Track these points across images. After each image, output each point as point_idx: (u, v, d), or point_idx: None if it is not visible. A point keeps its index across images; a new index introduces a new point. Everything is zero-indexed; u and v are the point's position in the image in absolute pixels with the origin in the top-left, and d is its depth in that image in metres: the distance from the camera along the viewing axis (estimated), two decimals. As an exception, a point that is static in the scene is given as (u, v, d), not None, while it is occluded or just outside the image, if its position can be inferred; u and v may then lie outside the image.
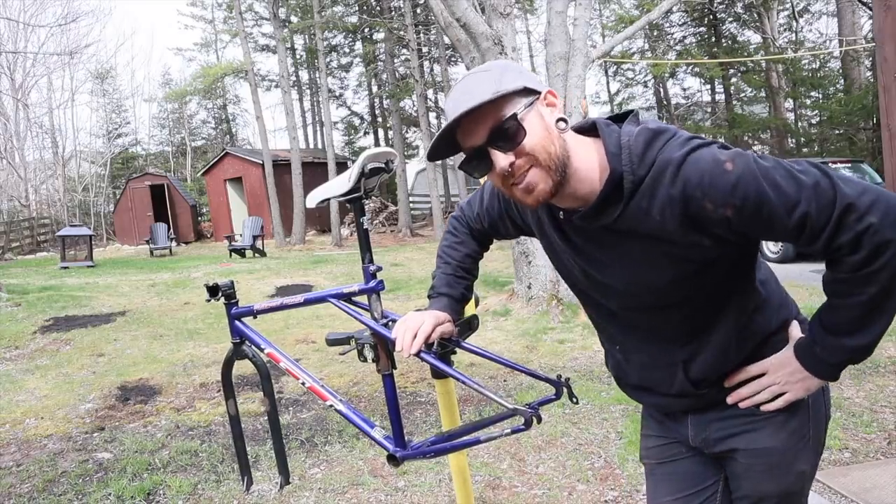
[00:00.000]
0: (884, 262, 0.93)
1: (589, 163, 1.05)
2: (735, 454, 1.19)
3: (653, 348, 1.19)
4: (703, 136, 1.05)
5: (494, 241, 1.53)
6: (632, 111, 1.10)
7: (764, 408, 1.14)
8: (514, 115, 0.99)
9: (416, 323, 1.31)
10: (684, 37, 22.81)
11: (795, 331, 1.14)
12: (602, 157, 1.05)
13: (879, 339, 1.02)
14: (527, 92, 1.02)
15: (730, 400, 1.16)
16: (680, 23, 22.28)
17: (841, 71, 17.79)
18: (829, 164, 9.29)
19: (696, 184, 0.96)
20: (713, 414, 1.19)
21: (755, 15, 19.86)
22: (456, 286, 1.46)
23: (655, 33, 22.41)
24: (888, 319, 1.01)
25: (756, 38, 20.94)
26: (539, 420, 1.33)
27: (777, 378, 1.11)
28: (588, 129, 1.10)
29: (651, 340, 1.19)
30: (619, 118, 1.11)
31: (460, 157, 1.10)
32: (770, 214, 0.94)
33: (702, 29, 21.85)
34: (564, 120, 1.02)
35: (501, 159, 1.01)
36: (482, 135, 1.01)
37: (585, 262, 1.15)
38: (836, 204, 0.92)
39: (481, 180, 1.34)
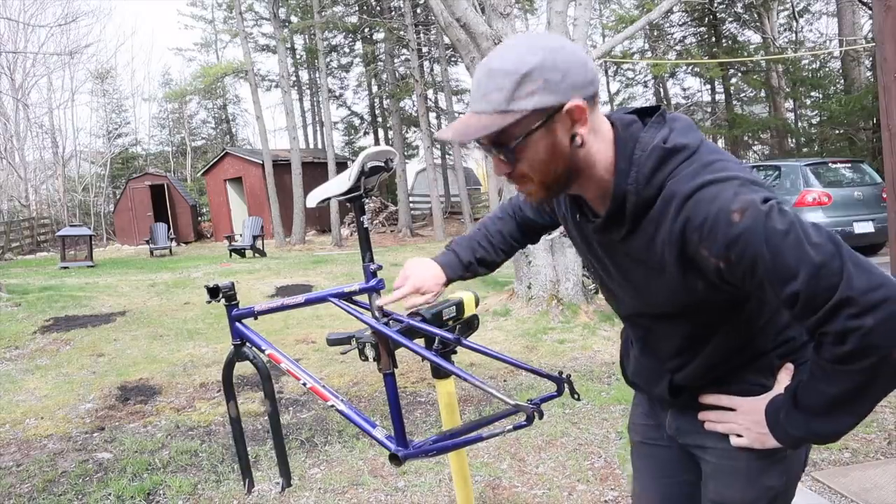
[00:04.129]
0: (865, 365, 0.87)
1: (605, 166, 1.00)
2: (705, 452, 1.17)
3: (647, 350, 1.20)
4: (727, 159, 0.97)
5: (541, 237, 1.51)
6: (658, 108, 1.03)
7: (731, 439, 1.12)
8: (516, 137, 0.94)
9: (413, 276, 1.42)
10: (684, 37, 22.83)
11: (784, 377, 1.09)
12: (612, 161, 1.01)
13: (846, 431, 0.96)
14: (544, 111, 0.93)
15: (700, 416, 1.15)
16: (680, 23, 22.28)
17: (841, 71, 17.77)
18: (830, 164, 9.29)
19: (696, 225, 0.91)
20: (691, 412, 1.18)
21: (755, 15, 19.88)
22: (468, 251, 1.45)
23: (655, 33, 22.42)
24: (857, 418, 0.95)
25: (756, 38, 20.96)
26: (541, 415, 1.33)
27: (742, 420, 1.08)
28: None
29: (647, 344, 1.20)
30: (646, 112, 1.04)
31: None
32: (763, 279, 0.89)
33: (702, 29, 21.86)
34: (581, 136, 0.96)
35: (499, 164, 1.00)
36: (488, 138, 0.98)
37: (599, 262, 1.15)
38: (837, 293, 0.84)
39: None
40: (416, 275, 1.41)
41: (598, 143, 0.99)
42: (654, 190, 0.95)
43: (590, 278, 1.47)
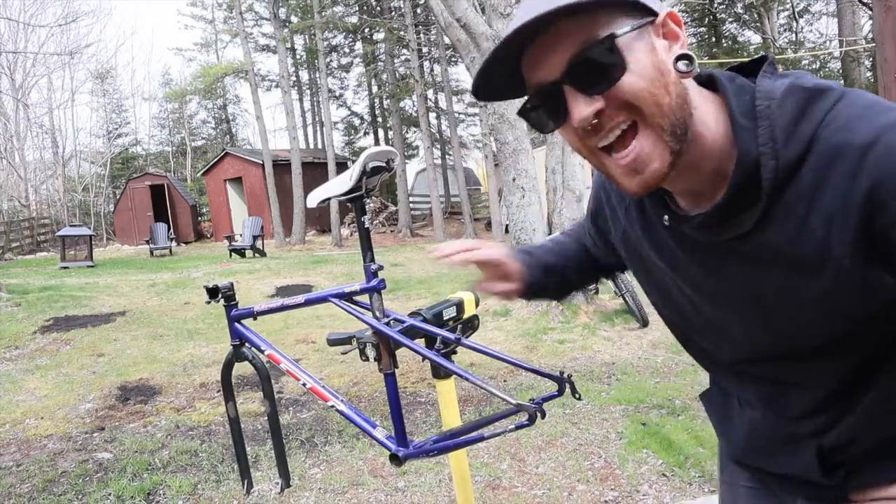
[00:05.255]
0: None
1: (715, 129, 0.69)
2: None
3: (771, 411, 0.82)
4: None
5: (594, 280, 1.18)
6: (764, 57, 0.73)
7: None
8: (612, 37, 0.64)
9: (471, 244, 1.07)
10: (684, 37, 22.81)
11: None
12: (726, 124, 0.69)
13: None
14: (637, 7, 0.66)
15: None
16: (680, 23, 22.26)
17: (841, 71, 17.78)
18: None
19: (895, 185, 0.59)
20: None
21: (755, 15, 19.88)
22: (542, 254, 1.12)
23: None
24: None
25: (756, 39, 20.96)
26: (543, 415, 1.33)
27: None
28: (703, 82, 0.73)
29: (770, 400, 0.81)
30: (744, 70, 0.75)
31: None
32: None
33: (702, 29, 21.86)
34: (689, 57, 0.66)
35: (582, 105, 0.66)
36: (558, 64, 0.66)
37: (691, 286, 0.80)
38: None
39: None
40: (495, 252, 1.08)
41: (697, 97, 0.69)
42: (802, 145, 0.64)
43: (667, 321, 0.90)
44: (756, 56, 0.75)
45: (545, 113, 0.71)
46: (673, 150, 0.66)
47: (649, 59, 0.65)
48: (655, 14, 0.67)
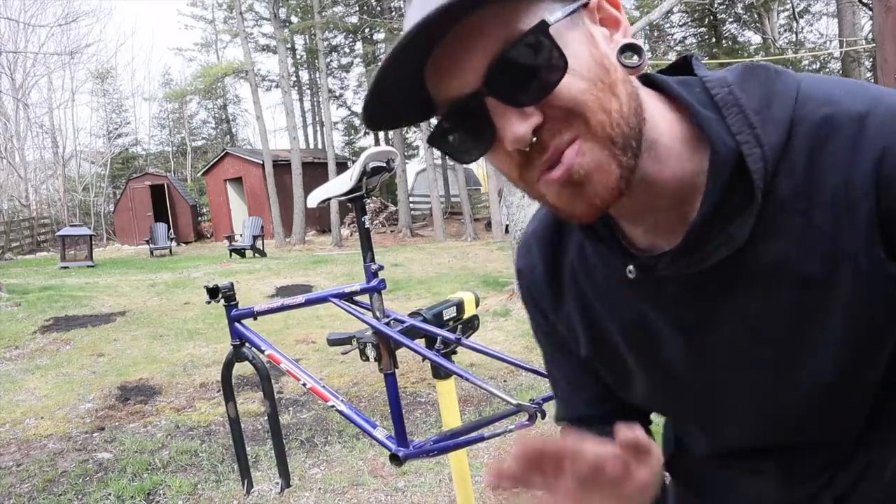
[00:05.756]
0: None
1: (670, 131, 0.56)
2: None
3: (783, 479, 0.66)
4: None
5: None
6: (688, 56, 0.62)
7: None
8: (543, 26, 0.48)
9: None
10: (684, 37, 22.85)
11: None
12: (682, 125, 0.56)
13: None
14: None
15: None
16: (680, 23, 22.31)
17: (841, 72, 17.79)
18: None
19: None
20: None
21: (755, 15, 19.89)
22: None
23: (656, 34, 22.43)
24: None
25: (756, 39, 20.98)
26: (543, 415, 1.33)
27: None
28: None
29: (785, 468, 0.65)
30: (670, 70, 0.62)
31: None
32: None
33: (702, 29, 21.88)
34: (635, 48, 0.53)
35: (514, 121, 0.49)
36: (475, 70, 0.49)
37: (679, 355, 0.62)
38: None
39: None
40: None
41: (644, 96, 0.55)
42: (782, 129, 0.52)
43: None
44: (685, 55, 0.63)
45: (465, 137, 0.53)
46: (623, 165, 0.51)
47: (589, 52, 0.50)
48: None
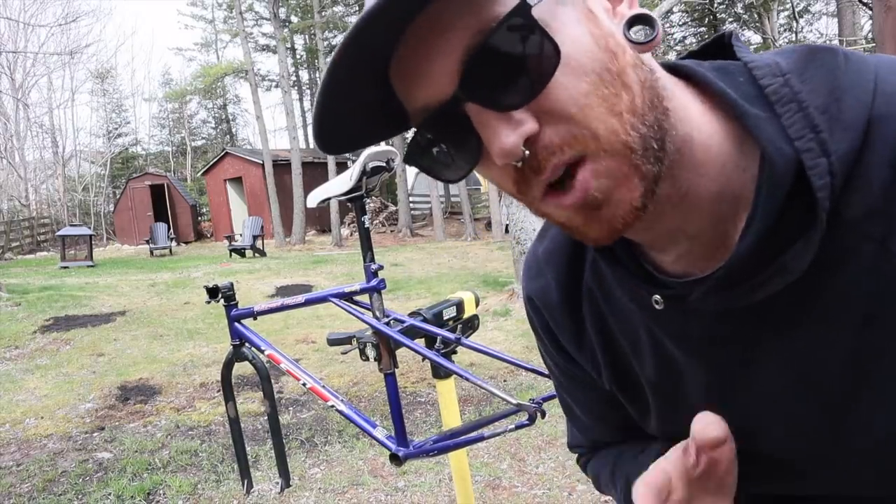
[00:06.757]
0: None
1: (709, 129, 0.45)
2: None
3: None
4: None
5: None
6: (725, 33, 0.50)
7: None
8: (524, 7, 0.39)
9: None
10: (684, 37, 22.86)
11: None
12: (724, 126, 0.46)
13: None
14: None
15: None
16: (680, 23, 22.32)
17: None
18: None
19: None
20: None
21: (755, 15, 19.90)
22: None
23: (655, 33, 22.45)
24: None
25: (756, 39, 20.97)
26: (543, 415, 1.33)
27: None
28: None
29: None
30: (700, 56, 0.51)
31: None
32: None
33: (702, 29, 21.89)
34: (647, 19, 0.42)
35: (502, 130, 0.40)
36: (448, 71, 0.40)
37: (715, 392, 0.52)
38: None
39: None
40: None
41: (667, 82, 0.45)
42: (856, 132, 0.41)
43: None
44: (721, 33, 0.50)
45: (446, 152, 0.44)
46: (646, 175, 0.41)
47: (589, 33, 0.40)
48: None
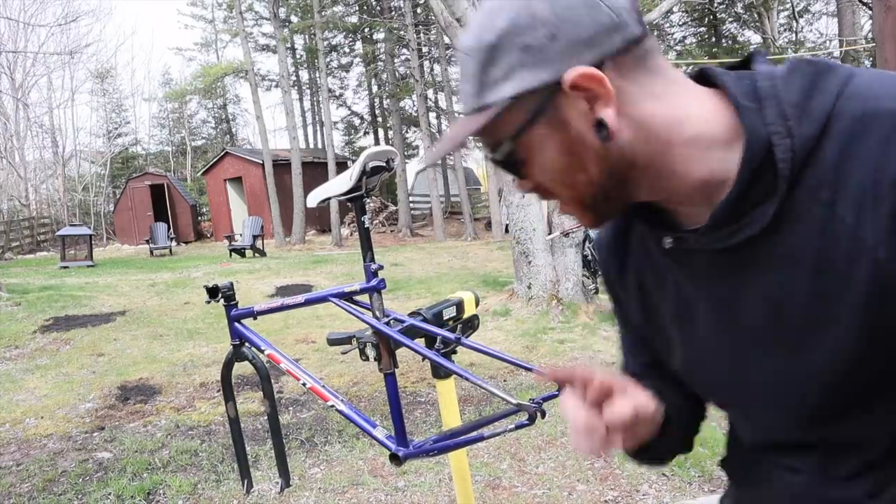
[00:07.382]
0: None
1: (715, 123, 0.60)
2: None
3: (818, 475, 0.67)
4: None
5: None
6: (753, 52, 0.65)
7: None
8: (509, 138, 0.61)
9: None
10: (684, 37, 22.85)
11: None
12: (726, 115, 0.60)
13: None
14: (530, 94, 0.59)
15: None
16: (680, 23, 22.31)
17: (841, 71, 17.80)
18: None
19: None
20: None
21: (755, 15, 19.89)
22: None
23: (655, 33, 22.42)
24: None
25: (756, 38, 20.97)
26: (543, 414, 1.33)
27: None
28: (696, 78, 0.66)
29: (818, 464, 0.66)
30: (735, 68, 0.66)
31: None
32: None
33: (702, 29, 21.89)
34: (601, 125, 0.59)
35: (518, 182, 0.68)
36: (488, 150, 0.67)
37: (710, 326, 0.68)
38: None
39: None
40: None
41: (677, 98, 0.60)
42: (818, 122, 0.56)
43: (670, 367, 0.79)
44: (752, 51, 0.66)
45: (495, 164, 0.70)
46: (603, 212, 0.66)
47: (555, 144, 0.61)
48: (558, 81, 0.58)
